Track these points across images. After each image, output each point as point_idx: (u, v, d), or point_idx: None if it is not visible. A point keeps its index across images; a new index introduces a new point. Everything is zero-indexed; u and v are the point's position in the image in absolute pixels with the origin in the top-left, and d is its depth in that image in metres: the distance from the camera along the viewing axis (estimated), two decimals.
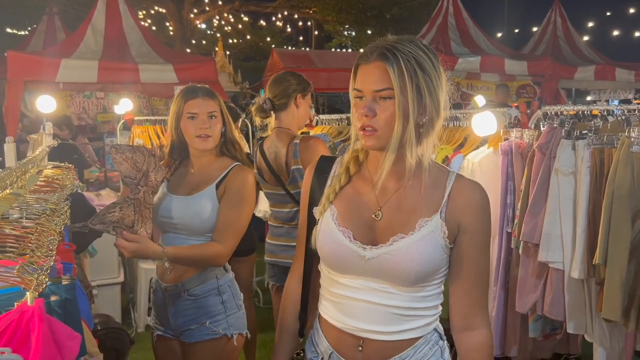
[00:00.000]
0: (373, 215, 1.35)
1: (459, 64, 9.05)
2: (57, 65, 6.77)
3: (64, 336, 1.00)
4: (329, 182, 1.44)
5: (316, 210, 1.43)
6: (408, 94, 1.22)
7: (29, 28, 14.00)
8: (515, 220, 2.47)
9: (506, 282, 2.61)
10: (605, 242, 1.96)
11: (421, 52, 1.25)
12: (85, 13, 11.24)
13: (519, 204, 2.44)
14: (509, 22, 20.29)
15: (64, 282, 1.14)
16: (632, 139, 1.98)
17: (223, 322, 2.11)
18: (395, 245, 1.29)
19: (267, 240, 2.86)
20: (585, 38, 15.76)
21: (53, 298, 1.12)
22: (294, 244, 2.74)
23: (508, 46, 12.34)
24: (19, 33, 14.83)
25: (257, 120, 2.79)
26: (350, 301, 1.35)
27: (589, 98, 15.15)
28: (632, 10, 18.70)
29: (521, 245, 2.44)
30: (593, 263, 2.02)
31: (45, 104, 3.97)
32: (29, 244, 1.22)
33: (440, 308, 1.40)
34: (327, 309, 1.42)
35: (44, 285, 1.01)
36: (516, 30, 20.12)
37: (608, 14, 19.90)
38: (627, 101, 10.68)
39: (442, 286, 1.38)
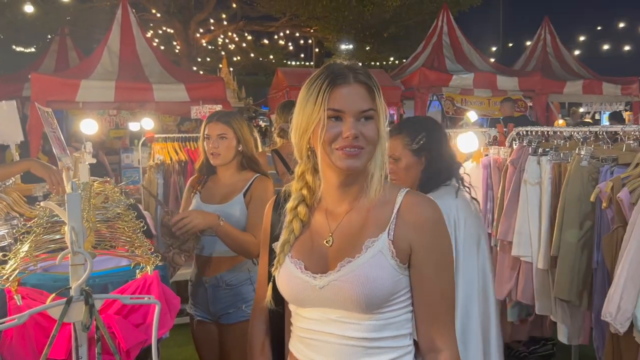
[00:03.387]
0: (325, 242, 1.31)
1: (453, 80, 9.57)
2: (77, 85, 7.17)
3: (171, 296, 1.49)
4: (284, 218, 1.40)
5: (276, 246, 1.38)
6: (380, 116, 1.27)
7: (35, 46, 14.47)
8: (494, 223, 2.97)
9: None
10: (559, 238, 2.46)
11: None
12: (95, 33, 11.77)
13: (497, 209, 2.95)
14: (501, 37, 20.88)
15: (159, 264, 1.62)
16: (582, 156, 2.49)
17: None
18: (343, 270, 1.25)
19: None
20: (577, 52, 16.32)
21: None
22: None
23: (502, 59, 12.83)
24: (26, 51, 15.27)
25: (279, 141, 3.41)
26: (314, 335, 1.30)
27: (581, 110, 15.67)
28: (622, 25, 19.26)
29: (498, 243, 2.95)
30: (551, 255, 2.52)
31: (88, 126, 4.47)
32: (132, 238, 1.72)
33: (411, 340, 1.33)
34: (294, 346, 1.37)
35: (156, 263, 1.50)
36: (510, 45, 20.75)
37: (599, 28, 20.47)
38: (618, 113, 11.18)
39: (410, 313, 1.31)
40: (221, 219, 2.39)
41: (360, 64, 1.32)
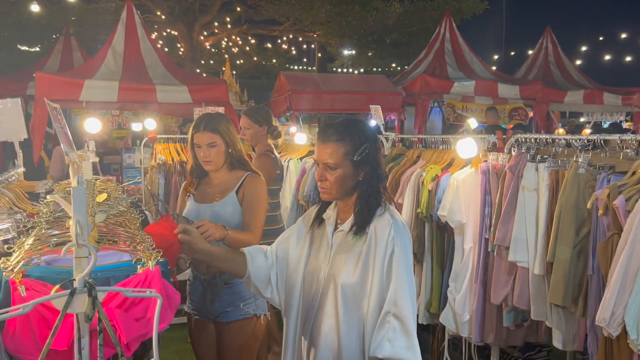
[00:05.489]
0: None
1: (455, 87, 9.63)
2: (80, 85, 7.24)
3: (171, 291, 1.51)
4: None
5: None
6: None
7: (40, 46, 14.53)
8: (492, 228, 3.00)
9: (485, 280, 3.13)
10: (555, 244, 2.48)
11: None
12: (100, 33, 11.84)
13: (495, 215, 2.98)
14: (503, 45, 20.99)
15: (161, 260, 1.65)
16: (579, 163, 2.52)
17: (252, 304, 2.62)
18: None
19: None
20: (579, 62, 16.40)
21: None
22: (273, 227, 3.60)
23: (503, 67, 12.87)
24: (31, 50, 15.36)
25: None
26: None
27: (582, 119, 15.72)
28: (623, 36, 19.37)
29: (495, 248, 2.98)
30: (547, 261, 2.55)
31: (92, 125, 4.50)
32: (134, 234, 1.75)
33: None
34: None
35: (158, 258, 1.53)
36: (512, 53, 20.85)
37: (600, 38, 20.58)
38: (617, 124, 11.21)
39: None
40: (227, 228, 2.45)
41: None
